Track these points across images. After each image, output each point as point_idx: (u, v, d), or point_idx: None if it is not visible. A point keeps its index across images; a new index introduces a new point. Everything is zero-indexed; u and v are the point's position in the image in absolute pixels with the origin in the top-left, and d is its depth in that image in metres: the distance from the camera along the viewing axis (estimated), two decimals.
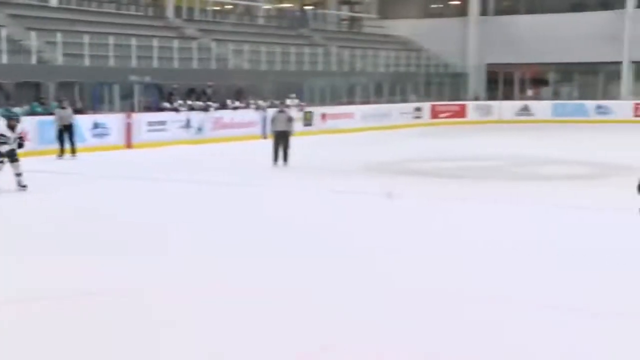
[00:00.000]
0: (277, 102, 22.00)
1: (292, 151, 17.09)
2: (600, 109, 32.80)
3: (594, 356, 5.46)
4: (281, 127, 17.28)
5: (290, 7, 38.49)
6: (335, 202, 12.47)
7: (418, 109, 32.49)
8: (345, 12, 41.60)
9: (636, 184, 7.98)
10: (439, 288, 7.14)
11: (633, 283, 7.39)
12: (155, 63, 25.17)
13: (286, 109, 18.77)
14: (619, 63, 34.46)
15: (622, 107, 32.55)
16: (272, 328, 5.98)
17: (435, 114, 33.05)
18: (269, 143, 17.72)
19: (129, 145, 21.65)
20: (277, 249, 8.84)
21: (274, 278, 7.54)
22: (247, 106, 25.69)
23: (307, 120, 27.09)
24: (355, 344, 5.66)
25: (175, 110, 23.58)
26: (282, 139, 17.14)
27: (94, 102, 23.42)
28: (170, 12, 30.70)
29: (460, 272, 7.77)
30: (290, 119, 17.67)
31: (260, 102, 25.67)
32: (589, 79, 36.16)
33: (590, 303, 6.68)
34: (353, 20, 41.28)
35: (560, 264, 8.11)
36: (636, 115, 30.41)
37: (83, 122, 20.36)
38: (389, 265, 8.07)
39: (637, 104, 32.28)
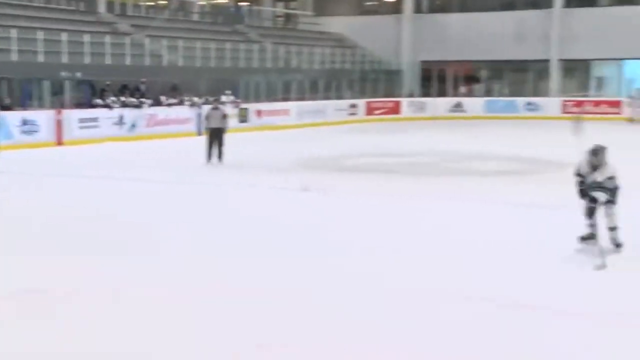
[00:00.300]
0: (212, 98, 21.68)
1: (226, 148, 16.90)
2: (530, 106, 33.49)
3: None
4: (215, 124, 17.07)
5: (225, 3, 38.12)
6: (271, 198, 12.39)
7: (353, 106, 32.60)
8: (280, 8, 41.44)
9: (575, 188, 8.26)
10: (372, 278, 7.13)
11: (562, 276, 7.51)
12: (87, 59, 24.55)
13: (220, 106, 18.46)
14: (547, 61, 35.23)
15: (550, 103, 33.30)
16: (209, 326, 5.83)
17: (370, 110, 33.22)
18: (204, 140, 17.46)
19: (59, 142, 21.10)
20: (207, 245, 8.75)
21: (204, 275, 7.43)
22: (181, 103, 25.33)
23: (243, 117, 26.88)
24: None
25: (108, 106, 23.07)
26: (216, 136, 16.91)
27: (23, 99, 22.76)
28: (102, 7, 29.98)
29: (391, 265, 7.79)
30: (224, 116, 17.45)
31: (195, 99, 25.35)
32: (519, 77, 36.85)
33: (522, 295, 6.74)
34: (288, 17, 41.17)
35: (496, 258, 8.19)
36: (564, 112, 31.06)
37: (11, 119, 19.74)
38: (328, 257, 8.04)
39: (565, 100, 33.04)
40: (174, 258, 8.21)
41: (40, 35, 23.44)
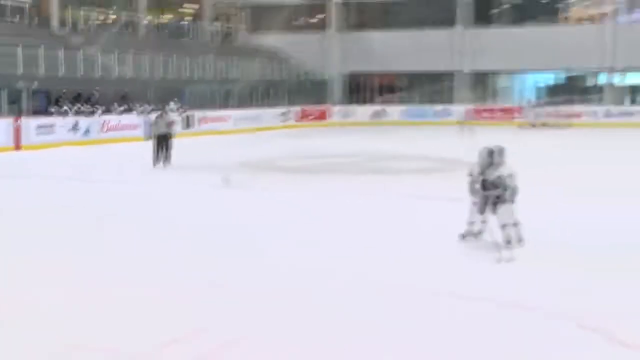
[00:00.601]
0: (160, 106, 21.68)
1: (174, 152, 16.75)
2: (441, 112, 34.42)
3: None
4: (161, 130, 16.74)
5: (169, 20, 37.94)
6: (210, 197, 12.57)
7: (287, 113, 32.95)
8: (219, 26, 41.42)
9: (468, 186, 8.00)
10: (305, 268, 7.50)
11: (463, 263, 7.98)
12: (42, 70, 24.24)
13: (166, 113, 18.03)
14: (455, 73, 36.28)
15: (458, 110, 34.25)
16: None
17: (301, 117, 33.64)
18: (151, 145, 16.99)
19: (17, 147, 20.83)
20: (147, 242, 8.93)
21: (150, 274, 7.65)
22: (131, 110, 25.22)
23: (187, 124, 26.94)
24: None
25: (63, 114, 22.85)
26: (163, 142, 16.60)
27: None
28: (55, 22, 29.55)
29: (326, 254, 8.17)
30: (170, 123, 17.13)
31: (144, 107, 25.25)
32: (432, 86, 37.68)
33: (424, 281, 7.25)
34: (227, 33, 41.18)
35: (403, 244, 8.62)
36: (469, 118, 31.98)
37: None
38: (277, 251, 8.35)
39: (471, 108, 34.03)
40: (123, 257, 8.21)
41: None
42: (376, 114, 35.12)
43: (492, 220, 7.96)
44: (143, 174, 15.62)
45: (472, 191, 8.08)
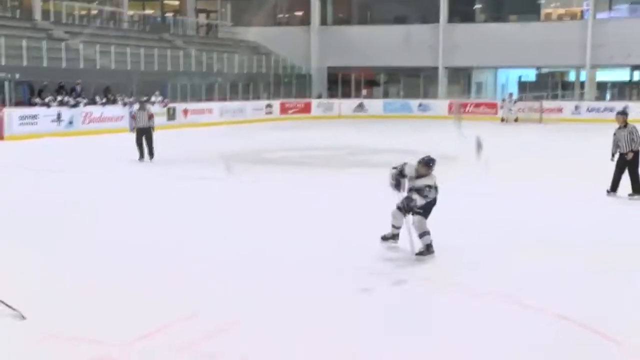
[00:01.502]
0: (143, 98, 21.53)
1: (156, 144, 16.42)
2: (421, 107, 34.56)
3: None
4: (142, 123, 16.31)
5: (152, 13, 37.68)
6: (193, 188, 12.57)
7: (269, 106, 32.91)
8: (202, 19, 41.23)
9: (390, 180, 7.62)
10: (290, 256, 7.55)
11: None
12: (25, 62, 23.99)
13: (147, 106, 17.53)
14: (436, 68, 36.44)
15: (438, 105, 34.48)
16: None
17: (284, 110, 33.62)
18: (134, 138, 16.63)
19: (0, 137, 20.65)
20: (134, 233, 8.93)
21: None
22: (114, 102, 25.06)
23: (170, 116, 26.83)
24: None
25: (47, 105, 22.65)
26: (144, 135, 16.25)
27: None
28: (37, 14, 29.23)
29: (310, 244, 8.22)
30: (150, 116, 16.65)
31: (127, 99, 25.11)
32: (412, 81, 37.74)
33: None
34: (209, 27, 41.00)
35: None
36: (450, 112, 32.29)
37: None
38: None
39: (451, 102, 34.26)
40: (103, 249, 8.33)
41: None
42: (357, 108, 35.18)
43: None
44: (125, 165, 15.46)
45: (397, 184, 7.70)
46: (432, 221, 7.54)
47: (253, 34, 38.09)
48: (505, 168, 14.09)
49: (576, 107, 32.13)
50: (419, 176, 7.59)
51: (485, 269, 7.09)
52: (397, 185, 7.69)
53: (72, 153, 17.98)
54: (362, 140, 21.95)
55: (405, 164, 7.77)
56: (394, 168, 7.79)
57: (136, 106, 17.12)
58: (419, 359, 4.89)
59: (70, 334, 5.15)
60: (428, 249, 7.47)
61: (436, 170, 7.71)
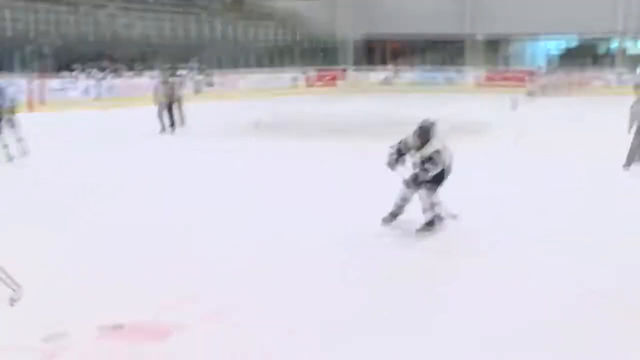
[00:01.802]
0: (171, 69, 21.25)
1: (180, 117, 16.15)
2: (450, 78, 33.95)
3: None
4: (164, 97, 15.88)
5: None
6: (215, 162, 12.31)
7: (297, 78, 32.58)
8: None
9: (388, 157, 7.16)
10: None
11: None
12: (53, 32, 23.98)
13: (171, 79, 16.98)
14: (467, 37, 35.64)
15: (468, 76, 33.81)
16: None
17: (314, 80, 33.31)
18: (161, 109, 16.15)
19: (30, 108, 20.67)
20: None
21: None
22: (142, 74, 24.88)
23: (199, 87, 26.69)
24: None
25: (75, 77, 22.63)
26: (169, 107, 15.87)
27: None
28: None
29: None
30: (173, 89, 16.21)
31: (160, 71, 24.81)
32: (444, 52, 37.09)
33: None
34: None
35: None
36: (480, 84, 31.72)
37: None
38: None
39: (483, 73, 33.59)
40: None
41: (7, 14, 22.86)
42: (385, 80, 34.67)
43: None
44: (149, 138, 15.02)
45: (393, 163, 7.20)
46: (453, 196, 7.19)
47: (281, 4, 37.59)
48: (534, 140, 13.76)
49: (614, 78, 31.21)
50: (422, 144, 7.01)
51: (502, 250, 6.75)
52: (394, 163, 7.15)
53: (103, 125, 17.77)
54: (390, 112, 21.47)
55: (401, 141, 7.22)
56: (392, 147, 7.23)
57: (162, 76, 16.77)
58: (430, 342, 4.63)
59: (69, 316, 4.91)
60: (430, 225, 7.03)
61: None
